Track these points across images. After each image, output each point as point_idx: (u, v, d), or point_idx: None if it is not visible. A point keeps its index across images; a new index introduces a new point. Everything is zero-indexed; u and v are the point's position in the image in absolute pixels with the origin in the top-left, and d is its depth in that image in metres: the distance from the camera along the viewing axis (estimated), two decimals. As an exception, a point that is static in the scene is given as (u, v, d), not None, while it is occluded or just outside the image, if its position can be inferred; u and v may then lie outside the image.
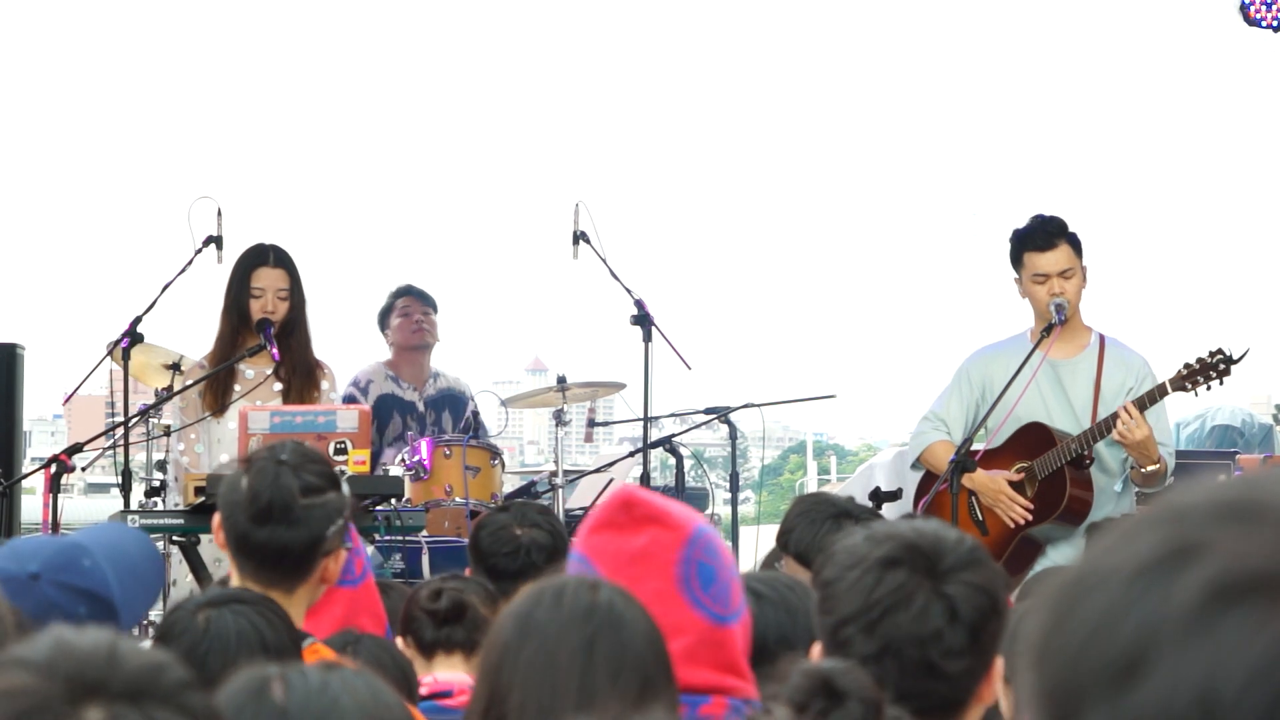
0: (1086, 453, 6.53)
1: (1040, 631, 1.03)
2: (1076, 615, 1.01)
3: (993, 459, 6.65)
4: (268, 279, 7.14)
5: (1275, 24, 9.52)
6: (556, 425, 8.90)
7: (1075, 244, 6.67)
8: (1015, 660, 2.49)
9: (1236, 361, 6.47)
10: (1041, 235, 6.65)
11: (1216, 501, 1.01)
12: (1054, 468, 6.53)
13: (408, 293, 9.01)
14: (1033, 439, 6.61)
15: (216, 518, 3.79)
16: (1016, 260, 6.70)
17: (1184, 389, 6.48)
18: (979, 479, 6.54)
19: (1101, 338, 6.79)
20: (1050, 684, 1.02)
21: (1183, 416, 11.38)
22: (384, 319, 8.99)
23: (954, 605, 2.69)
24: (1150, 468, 6.39)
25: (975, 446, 6.64)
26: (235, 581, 3.68)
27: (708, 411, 8.50)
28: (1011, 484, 6.56)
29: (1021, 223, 6.77)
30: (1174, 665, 0.96)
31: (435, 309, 9.04)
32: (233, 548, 3.69)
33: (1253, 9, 9.51)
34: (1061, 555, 6.42)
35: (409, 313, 8.92)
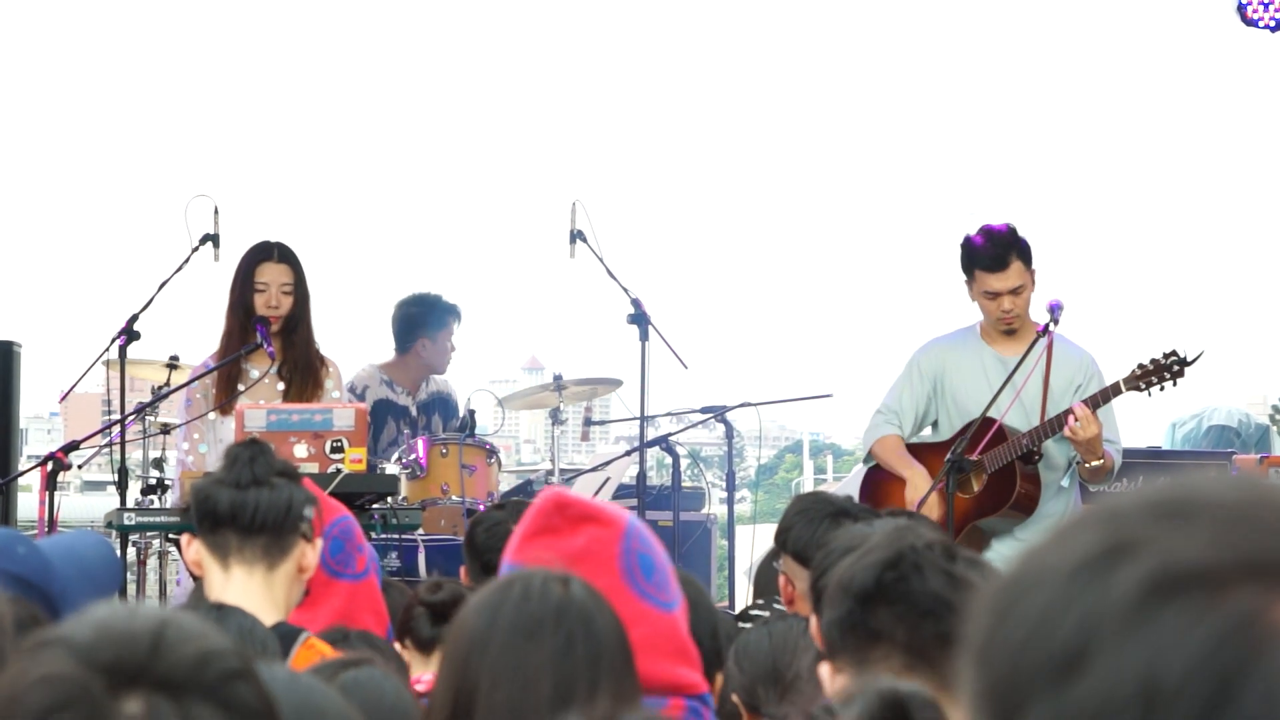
0: (1036, 449, 6.59)
1: (980, 631, 1.04)
2: (1016, 613, 1.02)
3: (940, 450, 6.71)
4: (272, 274, 7.14)
5: (1272, 24, 9.53)
6: (553, 424, 8.92)
7: (1025, 256, 6.69)
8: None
9: (1190, 363, 6.53)
10: (991, 257, 6.66)
11: (1150, 501, 1.03)
12: (1004, 462, 6.59)
13: (457, 315, 9.06)
14: (981, 432, 6.64)
15: (186, 537, 3.80)
16: (967, 272, 6.75)
17: (1138, 389, 6.56)
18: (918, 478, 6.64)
19: (1049, 332, 6.82)
20: (992, 681, 1.03)
21: (1179, 416, 11.40)
22: (418, 326, 8.97)
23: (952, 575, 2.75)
24: (1095, 463, 6.47)
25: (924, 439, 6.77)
26: (215, 583, 3.66)
27: (704, 411, 8.50)
28: (959, 477, 6.60)
29: (973, 231, 6.77)
30: (1115, 658, 0.98)
31: None
32: (210, 527, 3.67)
33: (1250, 9, 9.52)
34: (1005, 548, 6.49)
35: (449, 334, 8.98)
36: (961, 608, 2.75)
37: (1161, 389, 6.60)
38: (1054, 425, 6.52)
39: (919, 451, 6.80)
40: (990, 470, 6.61)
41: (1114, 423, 6.80)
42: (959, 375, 6.77)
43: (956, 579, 2.74)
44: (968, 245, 6.74)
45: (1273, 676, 0.96)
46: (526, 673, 2.55)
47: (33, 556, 3.04)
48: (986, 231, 6.74)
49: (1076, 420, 6.34)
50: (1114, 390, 6.53)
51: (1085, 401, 6.44)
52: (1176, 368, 6.51)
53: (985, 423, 6.60)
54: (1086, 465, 6.50)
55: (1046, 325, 6.65)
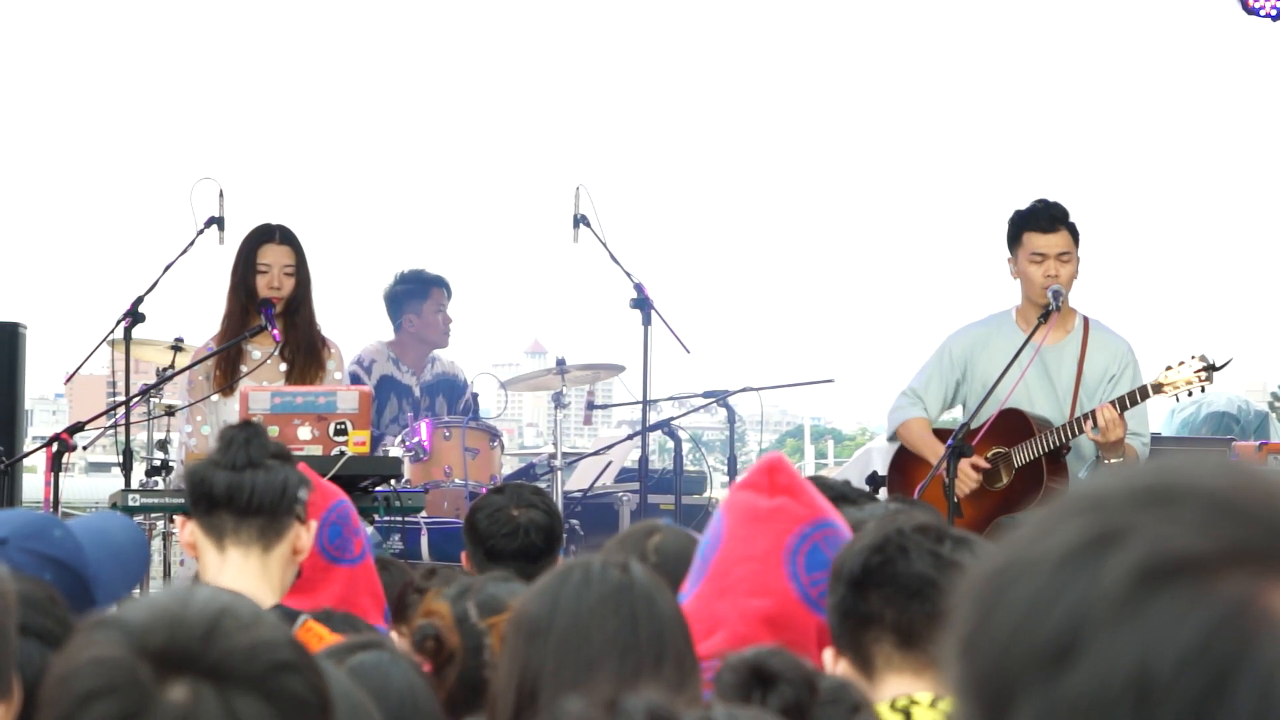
0: (1065, 444, 6.56)
1: (967, 622, 1.03)
2: (1004, 604, 1.02)
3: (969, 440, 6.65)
4: (274, 255, 7.13)
5: (1274, 13, 9.52)
6: (555, 408, 8.90)
7: (1074, 232, 6.71)
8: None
9: (1219, 369, 6.50)
10: (1045, 217, 6.69)
11: (1133, 487, 1.02)
12: (1032, 457, 6.55)
13: (440, 284, 9.01)
14: (1009, 425, 6.62)
15: (180, 519, 3.81)
16: (1014, 240, 6.73)
17: (1163, 393, 6.50)
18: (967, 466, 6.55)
19: (1086, 320, 6.81)
20: (981, 673, 1.02)
21: (1179, 403, 11.39)
22: (404, 302, 8.97)
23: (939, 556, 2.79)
24: (1115, 459, 6.44)
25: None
26: (209, 566, 3.67)
27: (706, 395, 8.50)
28: (985, 470, 6.58)
29: (1022, 205, 6.80)
30: (1106, 648, 0.97)
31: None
32: (206, 509, 3.67)
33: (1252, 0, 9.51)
34: None
35: (442, 308, 8.95)
36: (950, 589, 2.78)
37: (1190, 394, 6.59)
38: (1079, 425, 6.48)
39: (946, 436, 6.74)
40: (1018, 465, 6.58)
41: (1144, 419, 6.79)
42: (989, 361, 6.71)
43: (943, 560, 2.76)
44: (1019, 211, 6.77)
45: (1266, 664, 0.95)
46: (590, 653, 2.57)
47: (67, 539, 3.06)
48: (1040, 200, 6.78)
49: (1096, 427, 6.33)
50: (1142, 394, 6.46)
51: (1114, 402, 6.41)
52: (1207, 373, 6.48)
53: (1007, 413, 6.59)
54: (1107, 461, 6.48)
55: (1048, 309, 6.61)
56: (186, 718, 1.74)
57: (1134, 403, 6.45)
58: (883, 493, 6.67)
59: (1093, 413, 6.39)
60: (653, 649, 2.58)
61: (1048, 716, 0.98)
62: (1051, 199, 6.82)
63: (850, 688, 2.37)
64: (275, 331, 7.01)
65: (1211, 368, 6.47)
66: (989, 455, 6.59)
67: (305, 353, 7.16)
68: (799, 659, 2.36)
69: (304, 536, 3.73)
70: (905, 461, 6.88)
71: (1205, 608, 0.97)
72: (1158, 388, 6.48)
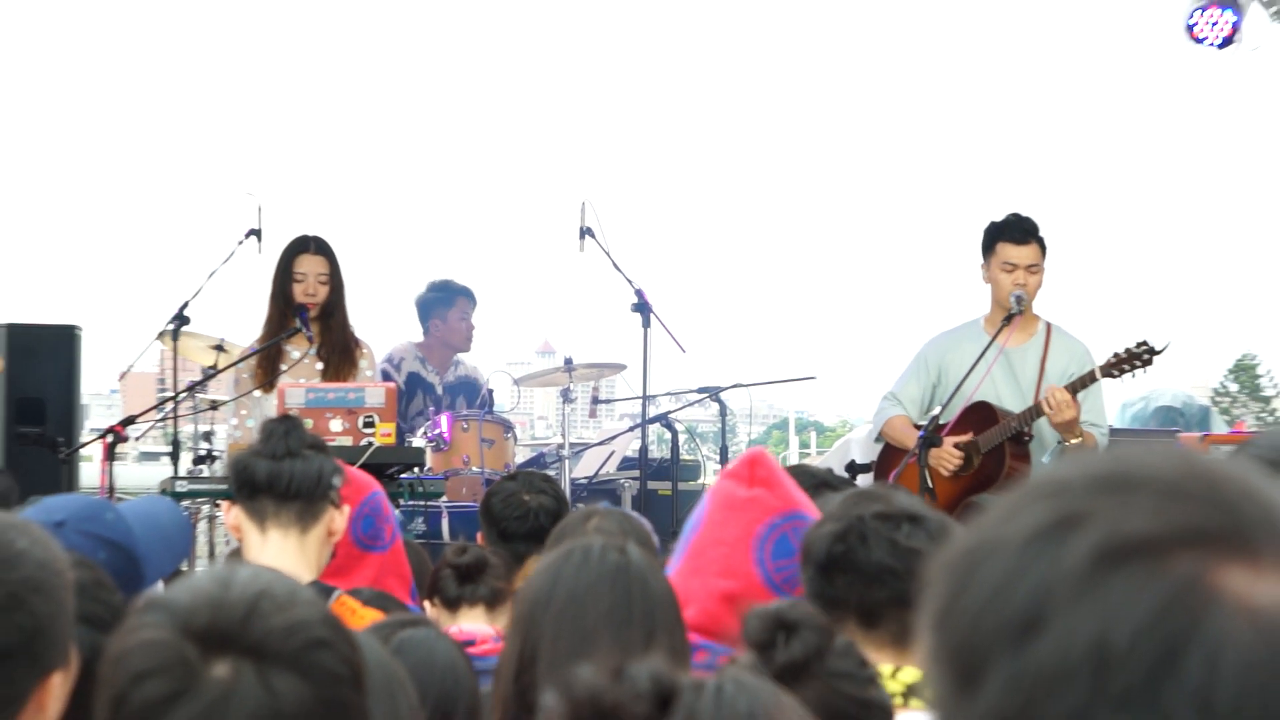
0: (1026, 430, 6.57)
1: (939, 598, 1.03)
2: (974, 581, 1.02)
3: (944, 432, 6.67)
4: (309, 265, 7.15)
5: (1217, 42, 9.51)
6: (563, 402, 8.90)
7: (1043, 246, 6.74)
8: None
9: (1159, 352, 6.50)
10: (1018, 230, 6.73)
11: (1092, 475, 1.03)
12: (996, 443, 6.57)
13: (466, 295, 9.01)
14: (979, 416, 6.65)
15: (225, 504, 3.81)
16: (988, 248, 6.76)
17: (1111, 375, 6.51)
18: (937, 454, 6.57)
19: (1049, 326, 6.84)
20: (952, 645, 1.02)
21: (1129, 398, 11.40)
22: (432, 308, 8.96)
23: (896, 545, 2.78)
24: (1074, 441, 6.43)
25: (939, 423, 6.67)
26: (252, 547, 3.67)
27: (700, 391, 8.49)
28: (953, 457, 6.59)
29: (997, 217, 6.81)
30: (1068, 622, 0.97)
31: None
32: (249, 495, 3.67)
33: (1196, 29, 9.51)
34: None
35: (466, 315, 8.95)
36: (908, 572, 2.78)
37: (1133, 375, 6.59)
38: (1037, 410, 6.49)
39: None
40: (985, 450, 6.58)
41: (1099, 407, 6.77)
42: (960, 364, 6.72)
43: (900, 548, 2.75)
44: (995, 222, 6.79)
45: (1214, 637, 0.95)
46: (586, 626, 2.56)
47: (119, 522, 3.07)
48: (1014, 214, 6.81)
49: (1050, 406, 6.34)
50: (1090, 378, 6.48)
51: (1066, 387, 6.41)
52: (1147, 356, 6.49)
53: (977, 406, 6.62)
54: (1066, 445, 6.47)
55: (1011, 314, 6.63)
56: (229, 694, 1.74)
57: (1084, 385, 6.46)
58: (860, 479, 6.67)
59: (1048, 393, 6.39)
60: (645, 625, 2.58)
61: (1014, 684, 0.98)
62: (1023, 213, 6.84)
63: (856, 645, 2.36)
64: (309, 333, 7.04)
65: (1152, 351, 6.48)
66: (960, 444, 6.61)
67: (340, 353, 7.17)
68: (816, 612, 2.35)
69: (338, 519, 3.73)
70: (889, 453, 6.93)
71: (1158, 585, 0.97)
72: (1105, 370, 6.49)
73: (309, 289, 7.11)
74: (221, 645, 1.76)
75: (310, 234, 7.30)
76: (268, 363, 7.18)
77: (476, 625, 4.06)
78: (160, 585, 3.17)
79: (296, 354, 7.15)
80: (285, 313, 7.14)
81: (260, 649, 1.75)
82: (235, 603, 1.78)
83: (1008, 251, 6.68)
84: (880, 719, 2.27)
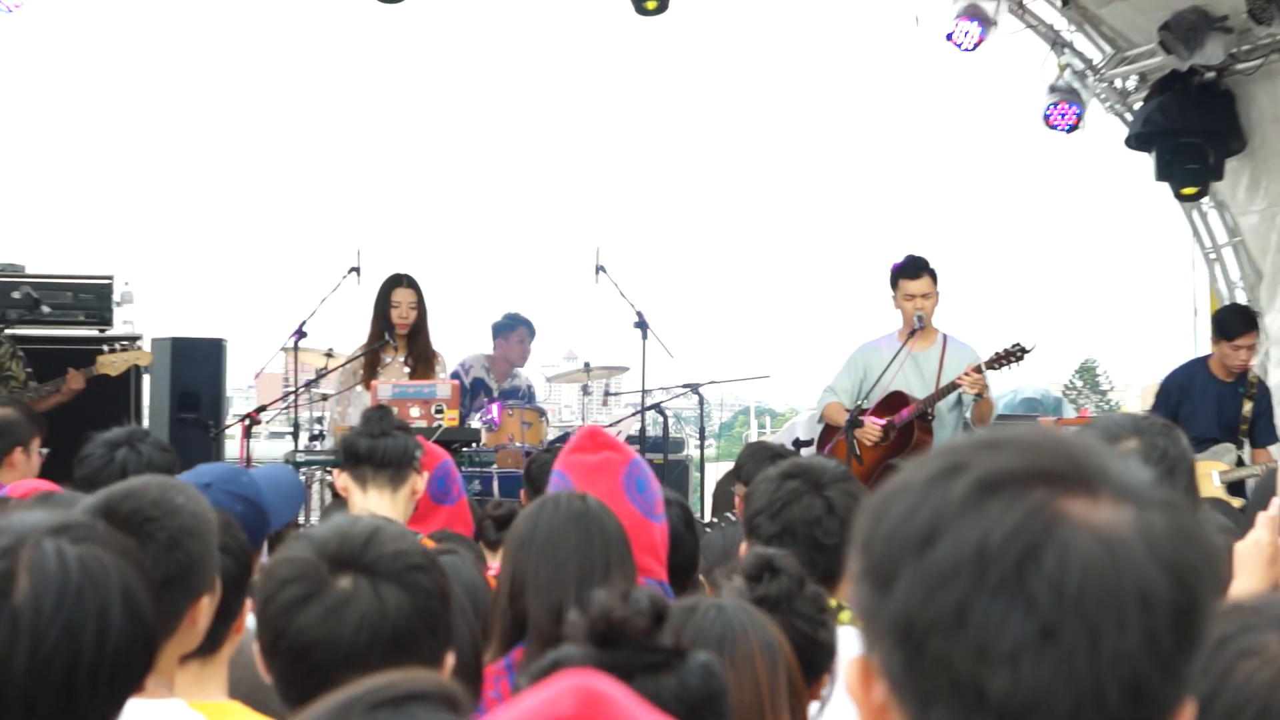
0: (930, 411, 6.59)
1: (863, 530, 1.05)
2: (888, 514, 1.04)
3: (867, 415, 6.68)
4: (402, 296, 7.21)
5: (1067, 128, 9.51)
6: (583, 395, 8.91)
7: (934, 275, 6.73)
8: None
9: (1029, 351, 6.51)
10: (913, 269, 6.74)
11: (973, 439, 1.06)
12: (907, 421, 6.60)
13: (526, 325, 9.04)
14: (894, 402, 6.68)
15: (336, 471, 3.80)
16: (894, 284, 6.82)
17: (994, 368, 6.51)
18: (863, 429, 6.58)
19: (945, 336, 6.85)
20: (874, 560, 1.04)
21: (1001, 391, 11.39)
22: (500, 331, 9.00)
23: (831, 503, 2.74)
24: (986, 397, 6.48)
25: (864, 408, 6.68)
26: (356, 502, 3.65)
27: (684, 386, 8.48)
28: (881, 428, 6.62)
29: (899, 258, 6.81)
30: (956, 534, 1.00)
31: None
32: (353, 463, 3.66)
33: (1050, 119, 9.50)
34: None
35: (524, 340, 8.95)
36: (828, 520, 2.77)
37: (1010, 368, 6.60)
38: (944, 392, 6.54)
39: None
40: (899, 427, 6.62)
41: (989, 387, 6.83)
42: (880, 364, 6.75)
43: (831, 503, 2.77)
44: (896, 264, 6.80)
45: (1064, 541, 0.98)
46: (559, 559, 2.55)
47: (251, 484, 3.05)
48: (910, 256, 6.81)
49: (968, 378, 6.39)
50: (979, 369, 6.50)
51: (974, 367, 6.44)
52: (1020, 353, 6.51)
53: (893, 394, 6.67)
54: (979, 409, 6.50)
55: (914, 329, 6.66)
56: (349, 599, 1.75)
57: (979, 373, 6.47)
58: (804, 452, 6.66)
59: (968, 370, 6.45)
60: (604, 556, 2.55)
61: (918, 582, 1.00)
62: (918, 253, 6.83)
63: (824, 593, 2.34)
64: (395, 344, 7.15)
65: (1024, 350, 6.50)
66: (881, 421, 6.64)
67: (422, 361, 7.25)
68: (797, 564, 2.33)
69: (419, 482, 3.72)
70: (827, 431, 6.96)
71: (1022, 505, 1.00)
72: (990, 364, 6.49)
73: (402, 314, 7.18)
74: (345, 564, 1.77)
75: (402, 272, 7.34)
76: (368, 367, 7.22)
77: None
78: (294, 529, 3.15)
79: (389, 360, 7.21)
80: (382, 330, 7.19)
81: (373, 568, 1.76)
82: (357, 535, 1.79)
83: (907, 285, 6.71)
84: (824, 656, 2.25)
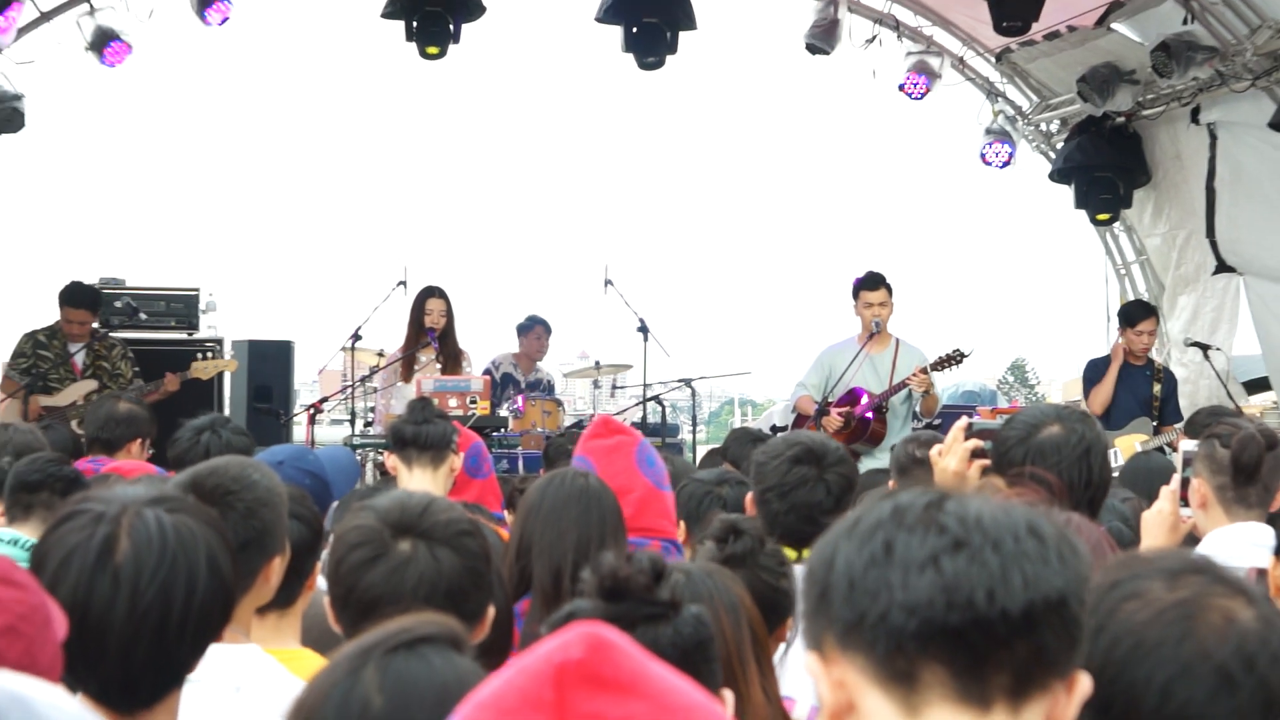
0: (884, 404, 6.56)
1: (807, 579, 1.12)
2: (821, 551, 1.11)
3: (831, 406, 6.68)
4: (435, 305, 7.24)
5: (1000, 165, 9.51)
6: (595, 388, 8.90)
7: (889, 288, 6.75)
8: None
9: (967, 356, 6.54)
10: (871, 282, 6.78)
11: (900, 500, 1.11)
12: (865, 413, 6.59)
13: (543, 324, 9.02)
14: (854, 395, 6.72)
15: (386, 453, 3.79)
16: (855, 295, 6.85)
17: (937, 370, 6.53)
18: (828, 418, 6.59)
19: (898, 340, 6.85)
20: (815, 580, 1.10)
21: (945, 385, 11.37)
22: (523, 330, 8.97)
23: (829, 485, 2.73)
24: (933, 391, 6.50)
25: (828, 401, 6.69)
26: (403, 479, 3.65)
27: (679, 380, 8.48)
28: (837, 420, 6.61)
29: (860, 273, 6.83)
30: (874, 509, 1.09)
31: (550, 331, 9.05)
32: (400, 446, 3.65)
33: (986, 156, 9.50)
34: (874, 461, 6.45)
35: (541, 337, 8.95)
36: (826, 501, 2.76)
37: (951, 370, 6.62)
38: (896, 389, 6.55)
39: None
40: (859, 417, 6.63)
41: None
42: (843, 363, 6.76)
43: (829, 485, 2.76)
44: (857, 278, 6.84)
45: (958, 500, 1.07)
46: (561, 528, 2.54)
47: (316, 461, 3.06)
48: (869, 271, 6.85)
49: (915, 378, 6.40)
50: (925, 371, 6.53)
51: (920, 370, 6.47)
52: (959, 357, 6.55)
53: (852, 390, 6.70)
54: (925, 400, 6.51)
55: (872, 333, 6.70)
56: (409, 560, 1.75)
57: (925, 373, 6.49)
58: (779, 436, 6.67)
59: (915, 372, 6.46)
60: (600, 527, 2.54)
61: (852, 547, 1.07)
62: (876, 269, 6.86)
63: (782, 551, 2.34)
64: (436, 346, 7.15)
65: (963, 354, 6.53)
66: (842, 412, 6.64)
67: (451, 359, 7.28)
68: (758, 526, 2.33)
69: (456, 461, 3.71)
70: (799, 419, 6.97)
71: (919, 501, 1.08)
72: (934, 366, 6.51)
73: (434, 320, 7.21)
74: (405, 530, 1.76)
75: (435, 284, 7.36)
76: (407, 365, 7.24)
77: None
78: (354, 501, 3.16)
79: (425, 359, 7.24)
80: (419, 334, 7.22)
81: (430, 533, 1.76)
82: (415, 505, 1.78)
83: (867, 296, 6.75)
84: (785, 601, 2.25)
